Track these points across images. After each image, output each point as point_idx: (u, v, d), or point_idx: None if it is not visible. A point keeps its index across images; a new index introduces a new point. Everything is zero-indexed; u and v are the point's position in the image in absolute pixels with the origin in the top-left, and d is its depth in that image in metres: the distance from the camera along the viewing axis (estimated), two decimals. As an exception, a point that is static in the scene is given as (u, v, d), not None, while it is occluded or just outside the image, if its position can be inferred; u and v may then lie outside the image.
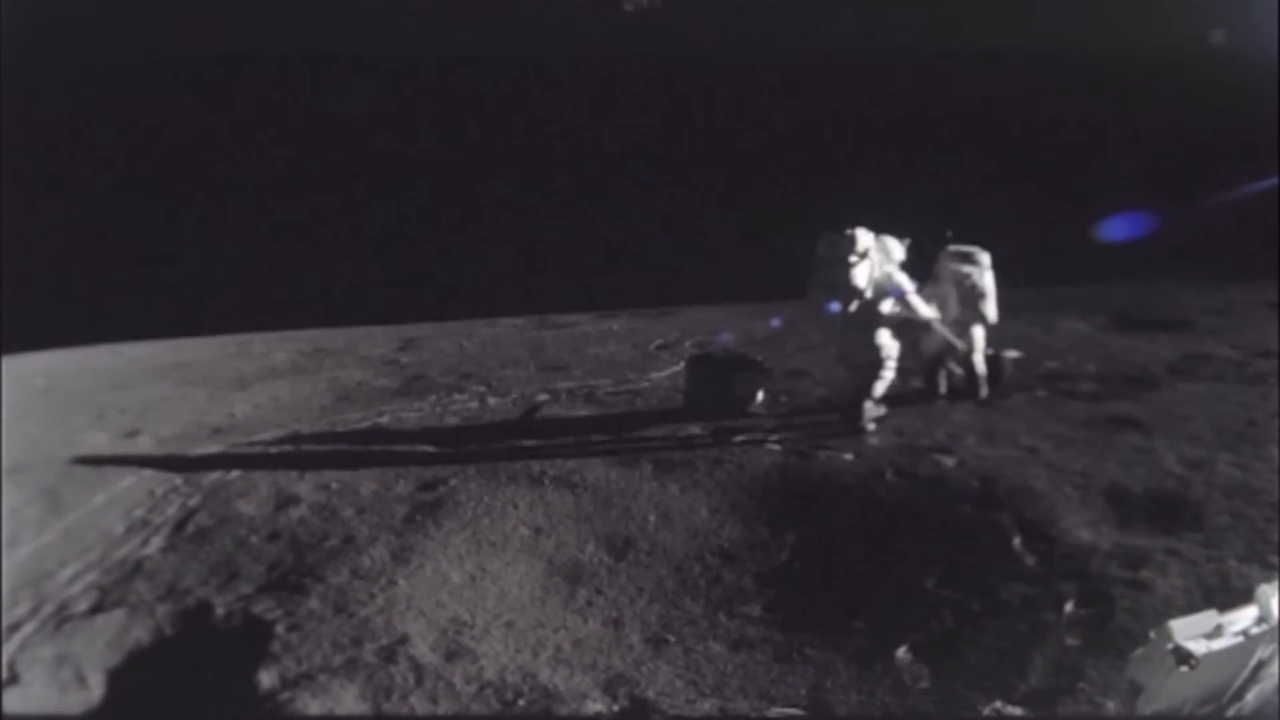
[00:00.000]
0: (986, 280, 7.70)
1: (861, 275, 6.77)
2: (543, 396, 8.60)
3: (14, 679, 4.41)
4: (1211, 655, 2.41)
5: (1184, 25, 14.54)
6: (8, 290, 10.56)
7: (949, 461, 6.34)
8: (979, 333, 7.73)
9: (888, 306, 6.95)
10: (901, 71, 16.24)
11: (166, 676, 4.48)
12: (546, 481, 6.27)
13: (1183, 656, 2.38)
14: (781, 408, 7.82)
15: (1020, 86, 15.65)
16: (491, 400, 8.58)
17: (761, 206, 15.51)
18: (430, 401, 8.63)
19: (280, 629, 4.66)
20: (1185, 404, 7.29)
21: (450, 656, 4.40)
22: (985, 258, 7.76)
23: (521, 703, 4.06)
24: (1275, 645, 2.50)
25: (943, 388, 7.88)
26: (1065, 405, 7.46)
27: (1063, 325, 10.29)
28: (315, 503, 6.14)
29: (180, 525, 5.92)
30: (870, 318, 6.91)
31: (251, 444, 7.46)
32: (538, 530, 5.63)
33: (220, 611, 4.89)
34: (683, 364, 8.96)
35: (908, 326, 7.28)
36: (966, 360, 7.81)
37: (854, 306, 6.81)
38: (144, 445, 7.65)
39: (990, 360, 7.92)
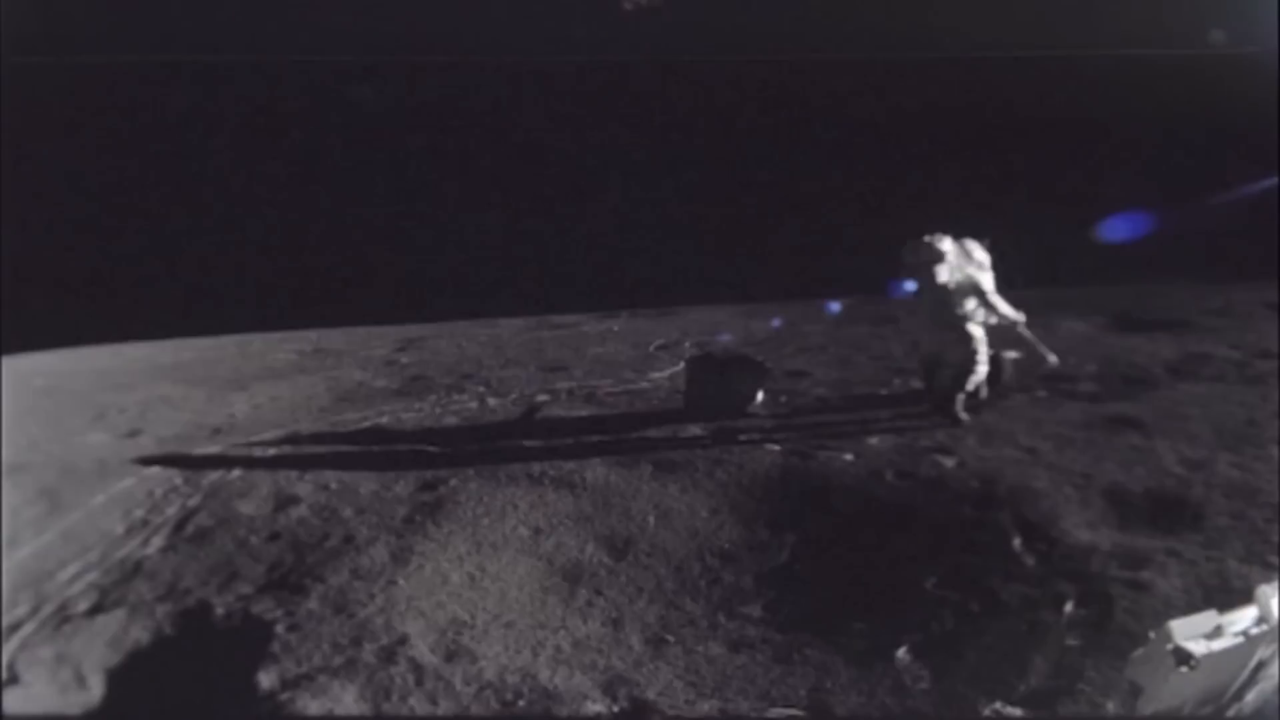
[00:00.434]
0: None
1: (944, 277, 7.07)
2: (543, 397, 8.60)
3: (14, 679, 4.41)
4: (1211, 656, 2.41)
5: (1184, 25, 14.54)
6: (8, 290, 10.56)
7: (949, 462, 6.34)
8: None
9: (971, 306, 7.18)
10: (900, 71, 16.25)
11: (166, 676, 4.48)
12: (546, 482, 6.27)
13: (1183, 657, 2.38)
14: (781, 408, 7.82)
15: (1020, 87, 15.66)
16: (491, 400, 8.58)
17: (762, 206, 15.52)
18: (430, 402, 8.62)
19: (280, 629, 4.66)
20: (1185, 404, 7.28)
21: (450, 657, 4.40)
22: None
23: (521, 703, 4.06)
24: (1275, 646, 2.50)
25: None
26: (1065, 405, 7.46)
27: (1063, 325, 10.29)
28: (315, 503, 6.14)
29: (180, 525, 5.92)
30: (955, 318, 7.16)
31: (251, 444, 7.45)
32: (537, 530, 5.63)
33: (220, 612, 4.89)
34: (683, 364, 8.95)
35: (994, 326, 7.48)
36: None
37: (939, 307, 7.17)
38: (144, 445, 7.64)
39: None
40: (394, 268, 14.73)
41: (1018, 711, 3.84)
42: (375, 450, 7.18)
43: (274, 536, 5.71)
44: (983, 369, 7.37)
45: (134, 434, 8.00)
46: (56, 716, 4.24)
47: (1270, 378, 7.81)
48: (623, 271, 14.31)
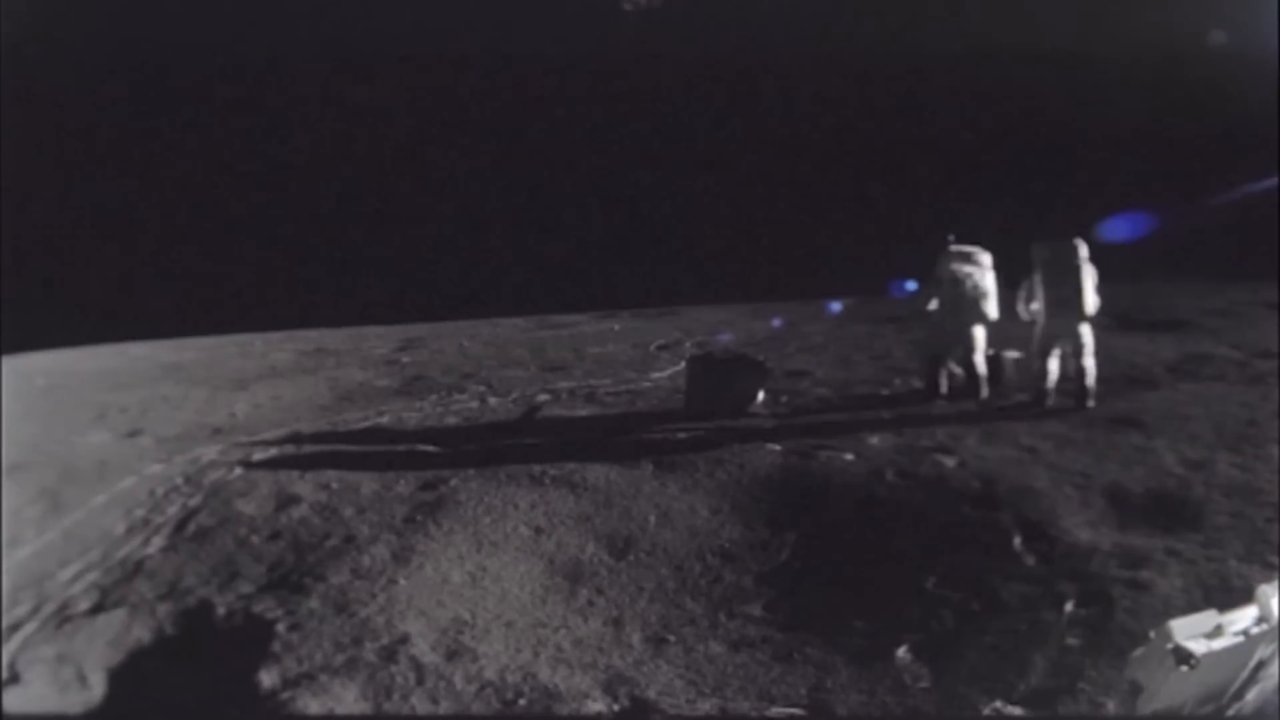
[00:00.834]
0: (988, 280, 7.72)
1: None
2: (543, 396, 8.60)
3: (14, 678, 4.41)
4: (1211, 655, 2.40)
5: (1184, 25, 14.54)
6: (8, 290, 10.56)
7: (949, 461, 6.34)
8: (979, 332, 7.73)
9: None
10: (900, 72, 16.24)
11: (167, 676, 4.48)
12: (547, 481, 6.27)
13: (1183, 656, 2.38)
14: (782, 407, 7.82)
15: (1019, 87, 15.65)
16: (492, 400, 8.59)
17: (761, 206, 15.52)
18: (431, 401, 8.63)
19: (281, 628, 4.66)
20: (1185, 404, 7.29)
21: (451, 656, 4.41)
22: (986, 257, 7.77)
23: (522, 702, 4.06)
24: (1275, 645, 2.49)
25: (943, 388, 7.88)
26: (1065, 405, 7.46)
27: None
28: (316, 502, 6.14)
29: (181, 525, 5.92)
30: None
31: (252, 443, 7.46)
32: (538, 530, 5.63)
33: (221, 611, 4.89)
34: (683, 364, 8.96)
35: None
36: (967, 360, 7.82)
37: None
38: (145, 445, 7.65)
39: (990, 360, 7.92)
40: (395, 267, 14.73)
41: (1018, 711, 3.84)
42: (376, 450, 7.19)
43: (275, 536, 5.71)
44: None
45: (135, 434, 8.01)
46: (56, 716, 4.24)
47: (1270, 378, 7.81)
48: (623, 271, 14.31)
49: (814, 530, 5.51)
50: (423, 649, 4.46)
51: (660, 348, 10.61)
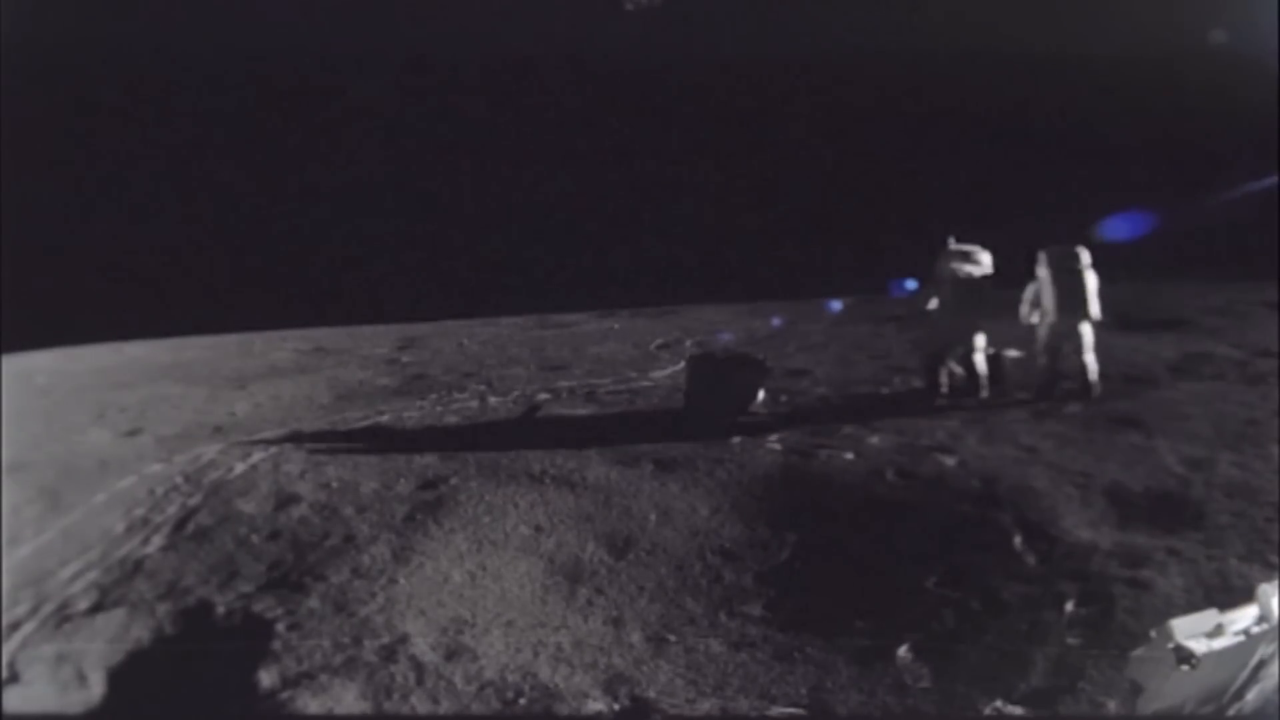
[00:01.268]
0: (987, 279, 7.72)
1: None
2: (543, 396, 8.60)
3: (14, 678, 4.41)
4: (1212, 654, 2.41)
5: (1184, 25, 14.54)
6: (8, 290, 10.56)
7: (950, 461, 6.34)
8: (979, 331, 7.73)
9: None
10: (900, 71, 16.23)
11: (166, 676, 4.48)
12: (547, 480, 6.27)
13: (1183, 656, 2.38)
14: (782, 407, 7.82)
15: (1019, 87, 15.65)
16: (492, 399, 8.58)
17: (762, 206, 15.52)
18: (431, 400, 8.63)
19: (281, 628, 4.66)
20: (1186, 403, 7.29)
21: (451, 655, 4.40)
22: (986, 257, 7.77)
23: (522, 702, 4.06)
24: (1276, 644, 2.49)
25: (944, 387, 7.88)
26: (1065, 405, 7.46)
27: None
28: (316, 501, 6.14)
29: (181, 524, 5.92)
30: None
31: (252, 442, 7.46)
32: (538, 529, 5.63)
33: (221, 610, 4.89)
34: (683, 363, 8.96)
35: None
36: (967, 359, 7.82)
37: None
38: (144, 444, 7.65)
39: (991, 360, 7.92)
40: (395, 267, 14.73)
41: (1018, 710, 3.84)
42: (376, 449, 7.18)
43: (275, 535, 5.71)
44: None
45: (134, 432, 8.01)
46: (56, 716, 4.24)
47: (1270, 377, 7.81)
48: (623, 271, 14.31)
49: (814, 530, 5.50)
50: (422, 648, 4.45)
51: (660, 347, 10.61)
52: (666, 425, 7.38)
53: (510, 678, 4.22)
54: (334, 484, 6.41)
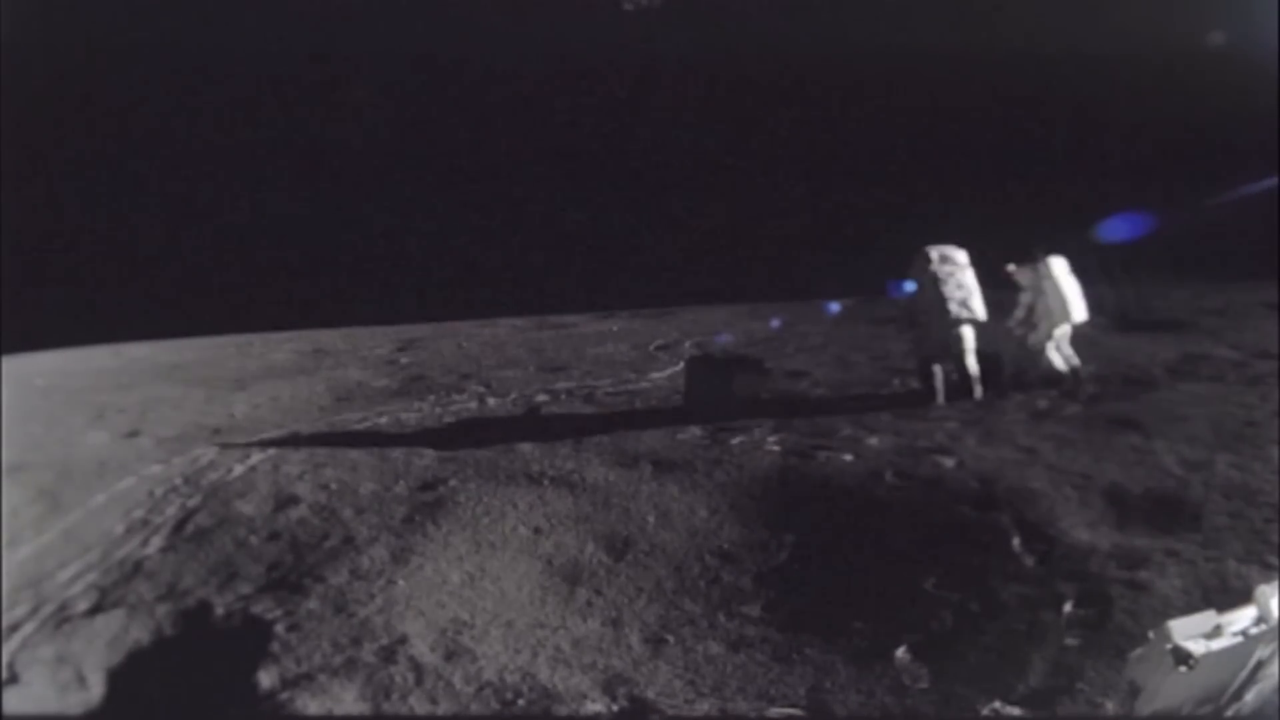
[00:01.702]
0: (969, 279, 7.70)
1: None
2: (542, 397, 8.60)
3: (14, 679, 4.41)
4: (1210, 655, 2.40)
5: (1184, 25, 14.54)
6: (8, 290, 10.56)
7: (948, 462, 6.34)
8: (967, 333, 7.70)
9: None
10: (899, 71, 16.24)
11: (166, 676, 4.48)
12: (546, 481, 6.27)
13: (1182, 657, 2.38)
14: (781, 408, 7.81)
15: (1019, 87, 15.65)
16: (491, 400, 8.58)
17: (761, 206, 15.52)
18: (430, 402, 8.63)
19: (280, 629, 4.66)
20: (1185, 404, 7.28)
21: (450, 656, 4.41)
22: (962, 255, 7.77)
23: (521, 703, 4.06)
24: (1274, 645, 2.49)
25: (940, 389, 7.86)
26: (1065, 405, 7.46)
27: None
28: (315, 503, 6.14)
29: (180, 525, 5.92)
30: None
31: (251, 444, 7.46)
32: (537, 530, 5.63)
33: (220, 611, 4.89)
34: (683, 364, 8.96)
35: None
36: (959, 361, 7.78)
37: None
38: (144, 445, 7.65)
39: (989, 360, 7.90)
40: (394, 267, 14.73)
41: (1017, 711, 3.84)
42: (375, 450, 7.18)
43: (274, 536, 5.71)
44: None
45: (134, 434, 8.01)
46: (56, 716, 4.24)
47: (1270, 378, 7.80)
48: (623, 271, 14.31)
49: (813, 531, 5.50)
50: (421, 649, 4.46)
51: (659, 348, 10.61)
52: (666, 426, 7.37)
53: (509, 678, 4.22)
54: (333, 485, 6.41)
